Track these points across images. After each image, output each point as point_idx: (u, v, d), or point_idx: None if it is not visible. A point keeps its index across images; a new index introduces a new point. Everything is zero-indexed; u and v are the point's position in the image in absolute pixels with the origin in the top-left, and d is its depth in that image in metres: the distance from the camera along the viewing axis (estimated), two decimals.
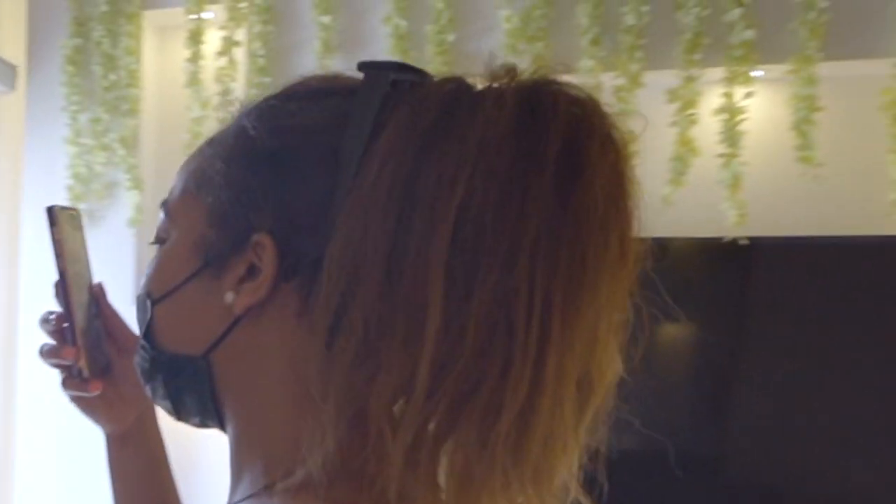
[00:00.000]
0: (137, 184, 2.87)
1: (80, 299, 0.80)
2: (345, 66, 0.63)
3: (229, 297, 0.60)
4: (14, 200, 3.02)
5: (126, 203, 2.86)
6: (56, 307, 0.82)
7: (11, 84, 2.94)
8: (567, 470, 0.56)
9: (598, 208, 0.53)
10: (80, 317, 0.79)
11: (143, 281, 0.66)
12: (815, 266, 2.35)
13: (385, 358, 0.52)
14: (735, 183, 2.31)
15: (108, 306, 0.85)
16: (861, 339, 2.32)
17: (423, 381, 0.51)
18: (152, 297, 0.64)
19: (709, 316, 2.49)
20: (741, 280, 2.47)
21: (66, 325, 0.80)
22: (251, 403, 0.61)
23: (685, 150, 2.35)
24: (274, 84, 2.93)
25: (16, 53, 3.00)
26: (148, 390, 0.66)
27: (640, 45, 2.36)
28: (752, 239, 2.32)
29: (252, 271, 0.59)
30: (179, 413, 0.65)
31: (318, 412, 0.54)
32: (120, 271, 2.81)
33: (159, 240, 0.65)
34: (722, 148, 2.32)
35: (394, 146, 0.54)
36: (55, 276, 0.80)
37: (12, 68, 2.94)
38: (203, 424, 0.65)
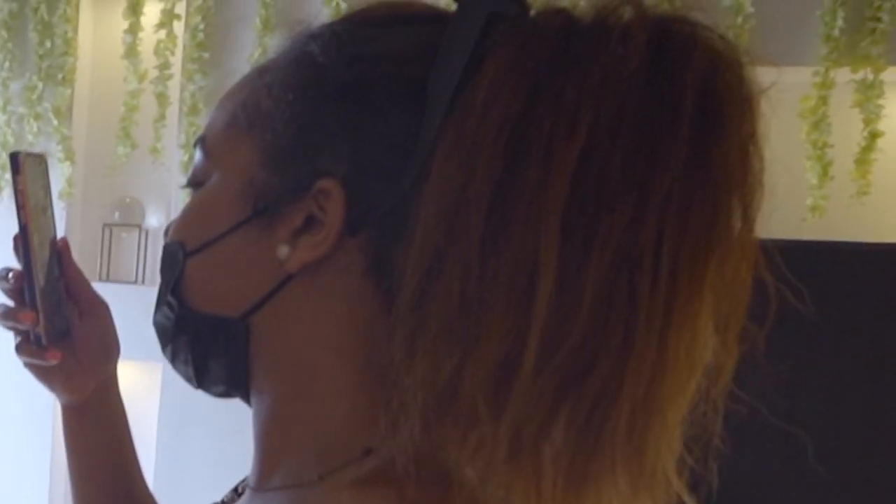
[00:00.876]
0: (69, 155, 2.80)
1: (41, 257, 0.70)
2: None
3: (283, 251, 0.51)
4: None
5: (57, 175, 2.79)
6: (14, 263, 0.72)
7: None
8: (672, 464, 0.48)
9: (731, 170, 0.46)
10: (40, 277, 0.69)
11: (172, 228, 0.56)
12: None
13: (485, 326, 0.44)
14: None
15: (73, 264, 0.74)
16: (776, 340, 2.34)
17: (531, 353, 0.43)
18: (186, 249, 0.54)
19: None
20: None
21: (25, 284, 0.70)
22: (299, 376, 0.52)
23: None
24: (212, 60, 2.90)
25: None
26: (167, 352, 0.56)
27: None
28: None
29: (311, 222, 0.50)
30: (201, 380, 0.55)
31: (394, 390, 0.46)
32: None
33: (195, 182, 0.55)
34: None
35: (502, 82, 0.45)
36: (16, 230, 0.69)
37: None
38: (227, 394, 0.56)
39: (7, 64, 2.83)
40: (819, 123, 2.15)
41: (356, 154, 0.49)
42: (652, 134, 0.44)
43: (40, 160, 0.73)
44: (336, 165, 0.50)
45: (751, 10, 2.18)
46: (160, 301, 0.56)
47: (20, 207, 0.69)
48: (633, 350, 0.44)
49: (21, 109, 2.82)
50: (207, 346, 0.54)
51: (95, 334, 0.75)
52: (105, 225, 2.87)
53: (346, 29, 0.53)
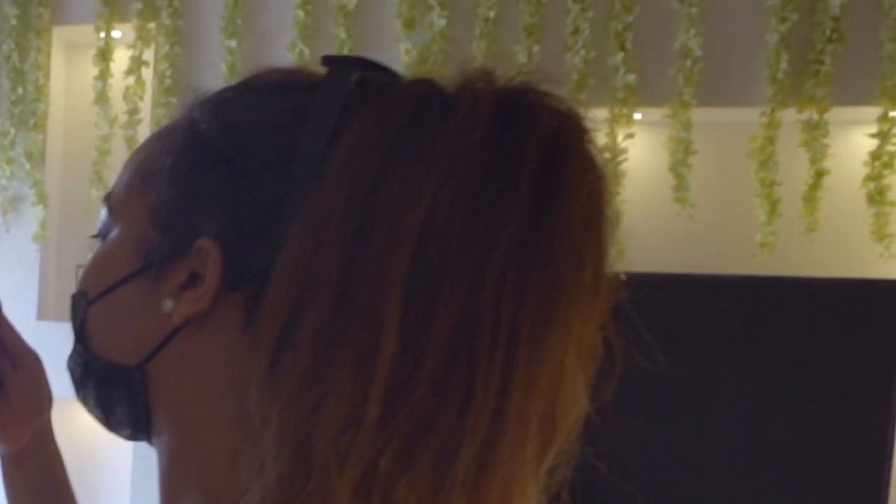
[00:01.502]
0: (42, 199, 2.81)
1: None
2: None
3: (168, 304, 0.53)
4: None
5: (30, 218, 2.80)
6: None
7: None
8: None
9: (574, 233, 0.47)
10: None
11: (80, 277, 0.59)
12: (689, 302, 2.39)
13: (334, 383, 0.46)
14: (615, 220, 2.33)
15: (4, 320, 0.77)
16: (730, 368, 2.36)
17: (374, 411, 0.45)
18: (87, 296, 0.57)
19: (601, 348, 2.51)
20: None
21: None
22: (189, 423, 0.54)
23: None
24: (180, 105, 2.88)
25: None
26: (79, 396, 0.59)
27: None
28: (629, 275, 2.35)
29: (194, 278, 0.52)
30: (110, 423, 0.58)
31: (258, 439, 0.48)
32: (24, 287, 2.75)
33: (101, 235, 0.59)
34: None
35: (356, 150, 0.48)
36: None
37: None
38: (134, 437, 0.59)
39: None
40: (766, 162, 2.19)
41: (230, 216, 0.52)
42: (491, 202, 0.46)
43: None
44: (213, 226, 0.52)
45: (699, 53, 2.22)
46: (73, 347, 0.59)
47: None
48: (471, 410, 0.45)
49: None
50: (111, 392, 0.56)
51: (29, 386, 0.77)
52: (79, 266, 2.87)
53: (230, 96, 0.55)
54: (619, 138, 2.33)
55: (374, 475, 0.45)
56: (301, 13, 2.59)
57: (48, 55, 2.84)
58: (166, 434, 0.56)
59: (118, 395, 0.56)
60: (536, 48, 2.39)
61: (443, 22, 2.47)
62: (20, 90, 2.82)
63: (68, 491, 0.85)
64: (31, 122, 2.81)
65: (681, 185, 2.28)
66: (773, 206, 2.18)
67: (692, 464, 2.39)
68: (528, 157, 0.46)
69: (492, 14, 2.42)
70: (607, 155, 0.50)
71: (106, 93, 2.76)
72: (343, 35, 2.56)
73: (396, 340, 0.45)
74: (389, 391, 0.45)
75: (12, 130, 2.82)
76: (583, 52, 2.33)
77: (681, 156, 2.27)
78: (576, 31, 2.33)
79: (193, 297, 0.52)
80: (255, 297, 0.51)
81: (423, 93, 0.49)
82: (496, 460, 0.46)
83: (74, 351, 0.58)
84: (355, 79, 0.51)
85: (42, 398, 0.78)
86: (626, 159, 2.34)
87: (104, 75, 2.76)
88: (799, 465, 2.34)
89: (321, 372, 0.46)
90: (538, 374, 0.47)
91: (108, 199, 0.58)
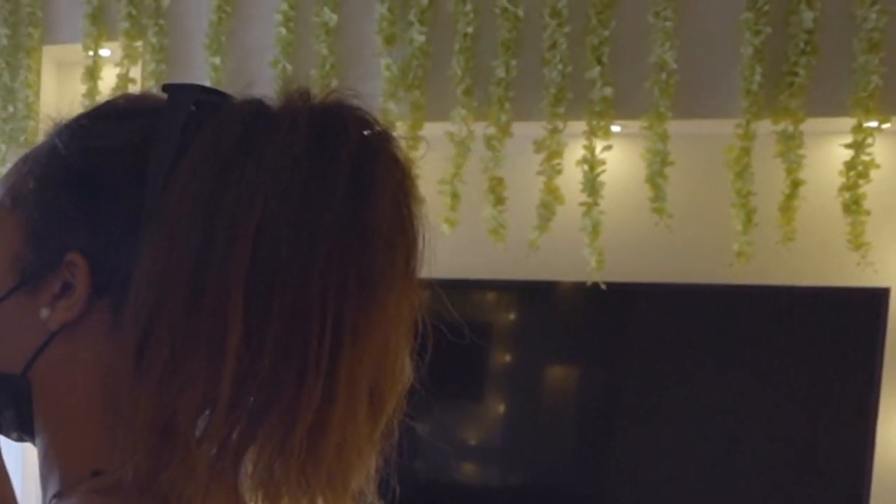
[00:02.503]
0: None
1: None
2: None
3: (44, 312, 0.58)
4: None
5: None
6: None
7: None
8: (363, 475, 0.57)
9: (383, 227, 0.53)
10: None
11: None
12: (667, 311, 2.35)
13: (190, 372, 0.52)
14: (595, 230, 2.30)
15: None
16: (708, 377, 2.32)
17: (225, 392, 0.51)
18: None
19: (582, 356, 2.47)
20: (604, 323, 2.46)
21: None
22: (59, 416, 0.59)
23: (550, 198, 2.34)
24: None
25: None
26: None
27: (509, 97, 2.36)
28: (610, 284, 2.31)
29: (67, 288, 0.57)
30: (1, 428, 0.63)
31: (128, 425, 0.54)
32: None
33: None
34: (583, 197, 2.32)
35: (195, 167, 0.53)
36: None
37: None
38: (20, 439, 0.63)
39: None
40: (742, 173, 2.15)
41: (93, 231, 0.57)
42: (311, 206, 0.52)
43: None
44: (79, 241, 0.57)
45: (674, 66, 2.19)
46: None
47: None
48: (304, 387, 0.52)
49: None
50: (0, 400, 0.61)
51: None
52: None
53: (85, 123, 0.61)
54: (598, 150, 2.30)
55: (227, 447, 0.52)
56: (283, 30, 2.57)
57: (38, 73, 2.81)
58: (40, 429, 0.61)
59: (5, 402, 0.61)
60: (514, 63, 2.36)
61: (422, 38, 2.44)
62: (10, 108, 2.80)
63: None
64: (22, 138, 2.79)
65: (658, 195, 2.24)
66: (749, 216, 2.14)
67: (671, 470, 2.34)
68: (341, 163, 0.53)
69: (470, 30, 2.39)
70: (409, 158, 0.57)
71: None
72: (325, 51, 2.53)
73: (240, 332, 0.51)
74: (237, 375, 0.51)
75: (3, 147, 2.80)
76: (560, 67, 2.30)
77: (657, 167, 2.24)
78: (553, 45, 2.30)
79: (66, 304, 0.58)
80: (120, 301, 0.56)
81: (250, 112, 0.55)
82: (329, 427, 0.53)
83: None
84: (193, 102, 0.57)
85: None
86: (604, 171, 2.31)
87: (92, 93, 2.74)
88: (777, 473, 2.29)
89: (179, 363, 0.52)
90: (362, 352, 0.53)
91: None
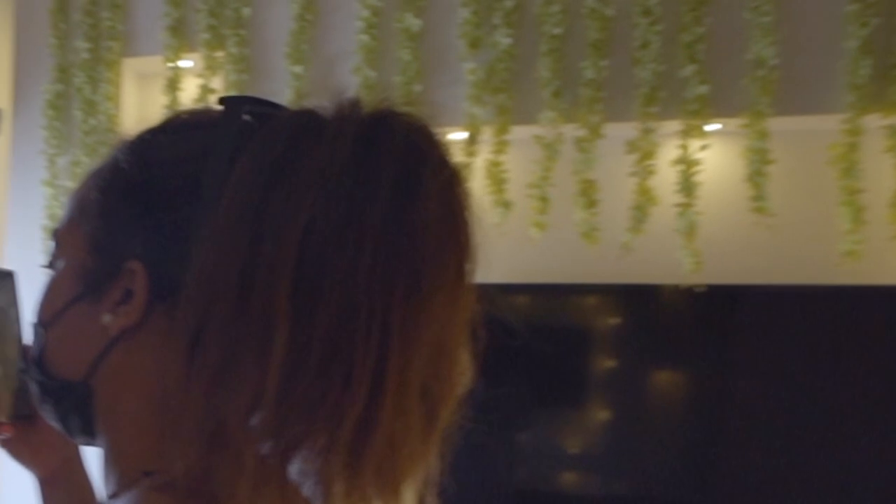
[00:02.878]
0: None
1: (2, 352, 0.81)
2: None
3: (106, 318, 0.61)
4: None
5: None
6: None
7: None
8: (417, 475, 0.57)
9: (431, 228, 0.54)
10: None
11: (35, 308, 0.67)
12: (769, 313, 2.28)
13: (239, 372, 0.53)
14: (690, 232, 2.24)
15: None
16: (816, 380, 2.24)
17: (272, 393, 0.52)
18: (43, 323, 0.65)
19: (686, 361, 2.40)
20: (708, 326, 2.39)
21: None
22: (120, 417, 0.62)
23: (644, 200, 2.28)
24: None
25: (3, 98, 2.91)
26: (43, 412, 0.67)
27: (600, 98, 2.30)
28: (711, 286, 2.25)
29: (128, 295, 0.60)
30: (70, 433, 0.66)
31: (179, 426, 0.55)
32: None
33: (49, 265, 0.66)
34: (678, 198, 2.25)
35: (244, 175, 0.55)
36: None
37: None
38: (87, 443, 0.66)
39: (54, 141, 2.83)
40: (850, 169, 2.08)
41: (151, 240, 0.60)
42: (357, 210, 0.53)
43: (4, 275, 0.85)
44: (138, 249, 0.60)
45: (775, 61, 2.12)
46: (31, 370, 0.67)
47: None
48: (350, 386, 0.52)
49: (68, 183, 2.80)
50: (65, 406, 0.64)
51: None
52: None
53: (146, 137, 0.64)
54: (693, 150, 2.24)
55: (275, 446, 0.53)
56: (365, 37, 2.54)
57: (119, 86, 2.81)
58: (102, 433, 0.63)
59: (70, 407, 0.64)
60: (604, 63, 2.30)
61: (508, 40, 2.40)
62: (92, 121, 2.80)
63: None
64: (103, 151, 2.78)
65: (758, 194, 2.17)
66: (857, 214, 2.06)
67: (783, 477, 2.26)
68: (386, 167, 0.53)
69: (558, 31, 2.34)
70: (464, 161, 0.59)
71: (180, 110, 2.72)
72: (408, 57, 2.49)
73: (287, 333, 0.52)
74: (284, 376, 0.52)
75: (85, 159, 2.80)
76: (653, 66, 2.24)
77: (757, 165, 2.17)
78: (645, 44, 2.24)
79: (126, 311, 0.60)
80: (176, 306, 0.57)
81: (299, 122, 0.56)
82: (377, 426, 0.53)
83: (33, 373, 0.66)
84: (245, 114, 0.60)
85: None
86: (700, 170, 2.24)
87: (173, 104, 2.73)
88: (890, 476, 2.21)
89: (229, 364, 0.53)
90: (411, 352, 0.53)
91: (55, 234, 0.66)
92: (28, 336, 0.83)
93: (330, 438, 0.53)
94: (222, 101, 0.61)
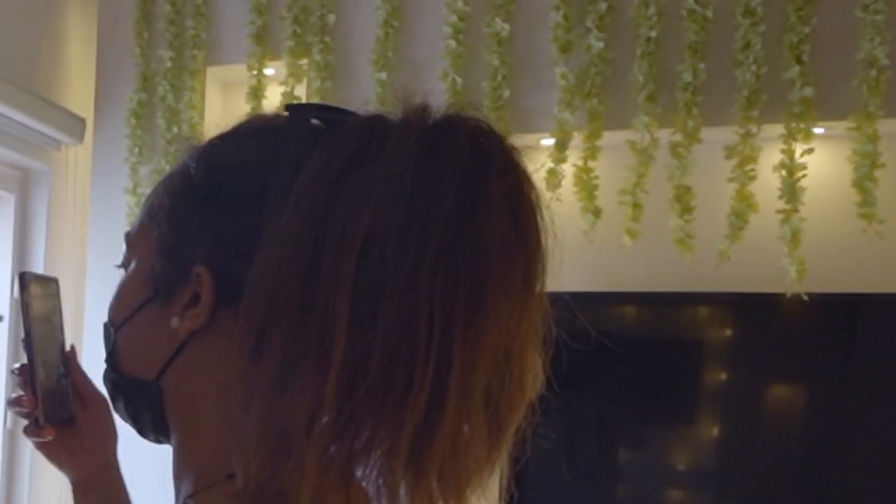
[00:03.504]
0: None
1: (45, 357, 0.83)
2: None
3: (175, 322, 0.62)
4: (81, 249, 2.92)
5: None
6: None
7: (80, 136, 2.85)
8: (482, 481, 0.56)
9: (496, 233, 0.53)
10: (41, 372, 0.82)
11: (109, 308, 0.68)
12: (878, 323, 2.18)
13: (300, 379, 0.53)
14: (794, 239, 2.15)
15: (77, 367, 0.88)
16: None
17: (331, 397, 0.52)
18: (114, 324, 0.66)
19: (796, 372, 2.31)
20: (820, 336, 2.29)
21: (28, 377, 0.83)
22: (191, 419, 0.63)
23: (743, 206, 2.20)
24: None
25: (84, 107, 2.91)
26: (116, 409, 0.69)
27: (697, 102, 2.23)
28: (811, 295, 2.15)
29: (196, 299, 0.61)
30: (140, 430, 0.67)
31: (243, 429, 0.55)
32: None
33: (123, 265, 0.68)
34: (781, 204, 2.17)
35: (309, 180, 0.55)
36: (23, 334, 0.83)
37: (81, 121, 2.85)
38: (158, 441, 0.67)
39: (137, 150, 2.82)
40: None
41: (218, 244, 0.60)
42: (420, 215, 0.52)
43: (51, 282, 0.86)
44: (204, 254, 0.61)
45: (885, 62, 2.04)
46: (105, 369, 0.69)
47: (24, 315, 0.81)
48: (411, 390, 0.52)
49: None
50: (137, 404, 0.66)
51: (96, 422, 0.87)
52: None
53: (215, 143, 0.64)
54: (797, 154, 2.15)
55: (338, 451, 0.53)
56: (453, 42, 2.50)
57: (202, 95, 2.80)
58: (174, 432, 0.64)
59: (142, 406, 0.65)
60: (702, 66, 2.23)
61: (601, 44, 2.34)
62: (175, 129, 2.78)
63: None
64: None
65: (866, 200, 2.08)
66: None
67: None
68: (451, 172, 0.53)
69: (653, 33, 2.28)
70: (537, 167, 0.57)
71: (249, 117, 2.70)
72: (496, 62, 2.45)
73: (346, 338, 0.52)
74: (343, 380, 0.52)
75: (167, 168, 2.77)
76: (754, 68, 2.17)
77: (866, 170, 2.08)
78: (746, 45, 2.17)
79: (194, 314, 0.61)
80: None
81: (365, 127, 0.57)
82: (439, 431, 0.52)
83: (106, 372, 0.67)
84: (311, 120, 0.60)
85: (108, 433, 0.88)
86: (804, 175, 2.16)
87: (257, 112, 2.70)
88: None
89: (290, 368, 0.53)
90: (475, 359, 0.52)
91: (127, 237, 0.67)
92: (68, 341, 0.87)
93: (392, 442, 0.53)
94: (288, 107, 0.62)
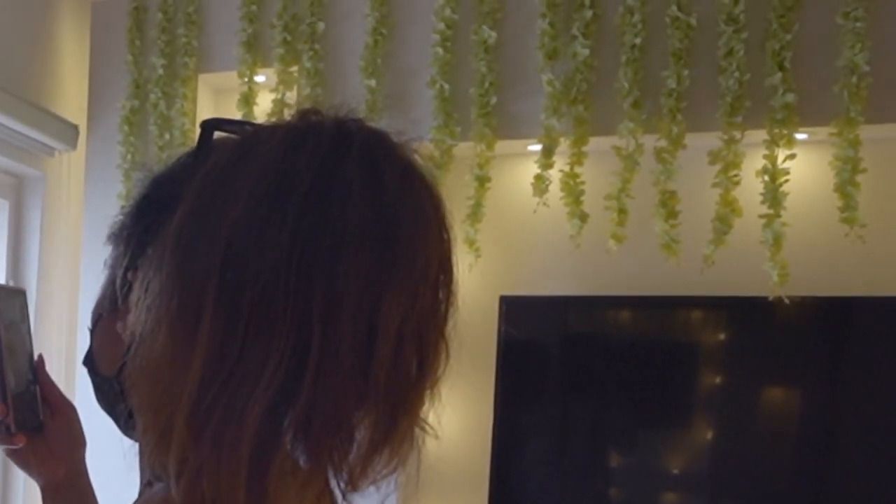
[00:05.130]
0: None
1: (14, 365, 0.85)
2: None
3: (119, 326, 0.67)
4: (75, 254, 2.91)
5: None
6: None
7: (73, 143, 2.85)
8: (379, 464, 0.59)
9: (352, 215, 0.56)
10: (11, 380, 0.84)
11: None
12: (860, 326, 2.18)
13: (181, 364, 0.57)
14: (777, 243, 2.15)
15: (45, 375, 0.90)
16: None
17: (195, 380, 0.56)
18: (90, 328, 0.74)
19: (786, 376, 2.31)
20: (811, 340, 2.29)
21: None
22: (139, 416, 0.65)
23: (727, 211, 2.20)
24: None
25: (78, 114, 2.91)
26: (101, 406, 0.74)
27: (682, 108, 2.23)
28: (797, 298, 2.15)
29: (134, 304, 0.64)
30: (119, 426, 0.73)
31: (171, 427, 0.58)
32: None
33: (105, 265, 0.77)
34: (764, 209, 2.17)
35: (196, 186, 0.59)
36: None
37: (74, 128, 2.85)
38: (135, 438, 0.70)
39: (129, 156, 2.82)
40: None
41: (143, 251, 0.66)
42: (278, 210, 0.57)
43: (16, 293, 0.89)
44: (138, 261, 0.67)
45: (866, 68, 2.04)
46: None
47: None
48: (269, 362, 0.56)
49: None
50: (109, 399, 0.72)
51: (64, 429, 0.89)
52: None
53: (172, 160, 0.72)
54: (780, 159, 2.16)
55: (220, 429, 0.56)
56: (441, 50, 2.50)
57: (194, 101, 2.80)
58: (137, 428, 0.66)
59: (111, 401, 0.71)
60: (686, 73, 2.24)
61: (586, 51, 2.34)
62: (167, 136, 2.79)
63: None
64: None
65: (848, 204, 2.08)
66: None
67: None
68: (306, 169, 0.56)
69: (638, 41, 2.28)
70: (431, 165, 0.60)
71: None
72: (484, 69, 2.45)
73: (210, 323, 0.56)
74: (211, 362, 0.56)
75: None
76: (737, 75, 2.17)
77: (848, 175, 2.08)
78: (730, 52, 2.18)
79: (132, 318, 0.63)
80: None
81: (253, 134, 0.62)
82: (299, 399, 0.56)
83: (88, 370, 0.74)
84: (212, 133, 0.67)
85: (75, 440, 0.91)
86: (787, 180, 2.16)
87: (248, 119, 2.70)
88: None
89: (174, 356, 0.57)
90: (333, 334, 0.56)
91: (105, 261, 0.75)
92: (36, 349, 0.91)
93: (244, 405, 0.55)
94: (201, 124, 0.69)
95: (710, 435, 2.34)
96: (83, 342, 2.80)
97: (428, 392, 0.59)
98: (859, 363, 2.22)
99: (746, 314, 2.34)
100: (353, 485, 0.59)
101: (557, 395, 2.21)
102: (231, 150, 0.60)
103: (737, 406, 2.33)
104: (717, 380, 2.36)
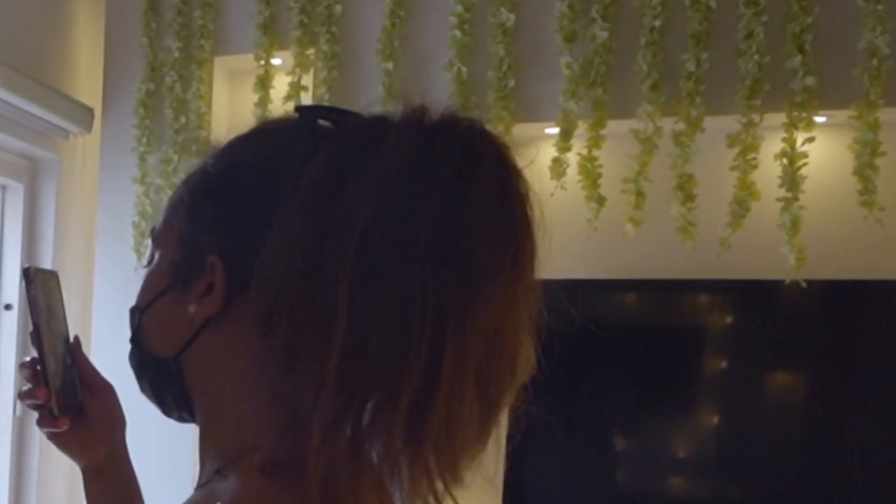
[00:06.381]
0: None
1: (53, 349, 0.85)
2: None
3: (192, 308, 0.66)
4: (89, 237, 2.92)
5: None
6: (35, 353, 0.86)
7: (88, 126, 2.86)
8: (476, 456, 0.60)
9: (486, 224, 0.56)
10: (51, 363, 0.84)
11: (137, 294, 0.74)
12: (879, 309, 2.19)
13: (304, 361, 0.57)
14: (794, 226, 2.16)
15: (82, 356, 0.90)
16: None
17: (333, 375, 0.55)
18: (139, 308, 0.71)
19: (794, 359, 2.32)
20: (821, 323, 2.30)
21: (39, 369, 0.84)
22: (212, 398, 0.67)
23: (745, 194, 2.21)
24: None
25: (93, 97, 2.92)
26: (140, 389, 0.72)
27: (700, 91, 2.23)
28: (813, 282, 2.16)
29: (210, 287, 0.65)
30: (164, 408, 0.71)
31: (262, 407, 0.60)
32: None
33: (149, 262, 0.72)
34: (782, 192, 2.18)
35: (314, 177, 0.59)
36: (31, 328, 0.84)
37: (89, 111, 2.86)
38: (182, 419, 0.71)
39: (145, 139, 2.82)
40: None
41: (229, 236, 0.64)
42: (413, 208, 0.56)
43: (51, 275, 0.88)
44: (217, 245, 0.65)
45: (886, 51, 2.05)
46: (130, 348, 0.73)
47: (32, 310, 0.83)
48: (405, 369, 0.55)
49: (158, 181, 2.80)
50: (159, 381, 0.70)
51: (104, 410, 0.89)
52: None
53: (234, 143, 0.69)
54: (799, 142, 2.16)
55: (335, 427, 0.56)
56: (458, 33, 2.50)
57: (210, 84, 2.80)
58: (198, 412, 0.68)
59: (164, 384, 0.69)
60: (705, 56, 2.24)
61: (605, 34, 2.35)
62: (183, 119, 2.79)
63: (139, 500, 0.96)
64: (193, 149, 2.77)
65: (867, 188, 2.09)
66: None
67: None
68: (441, 168, 0.57)
69: (658, 23, 2.29)
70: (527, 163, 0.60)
71: (266, 118, 2.70)
72: (502, 52, 2.45)
73: (347, 321, 0.56)
74: (344, 361, 0.56)
75: (175, 158, 2.79)
76: (756, 57, 2.17)
77: (867, 158, 2.09)
78: (749, 35, 2.18)
79: (209, 301, 0.65)
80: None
81: (368, 128, 0.61)
82: (433, 407, 0.56)
83: (131, 351, 0.72)
84: (318, 121, 0.65)
85: (115, 421, 0.91)
86: (805, 164, 2.17)
87: (264, 102, 2.71)
88: None
89: (295, 350, 0.57)
90: (465, 338, 0.56)
91: (153, 233, 0.72)
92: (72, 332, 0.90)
93: (390, 417, 0.56)
94: (297, 109, 0.67)
95: (720, 420, 2.36)
96: (98, 324, 2.81)
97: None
98: (877, 346, 2.22)
99: (763, 298, 2.35)
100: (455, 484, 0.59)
101: (568, 378, 2.22)
102: (352, 144, 0.60)
103: (752, 389, 2.34)
104: (732, 363, 2.37)
